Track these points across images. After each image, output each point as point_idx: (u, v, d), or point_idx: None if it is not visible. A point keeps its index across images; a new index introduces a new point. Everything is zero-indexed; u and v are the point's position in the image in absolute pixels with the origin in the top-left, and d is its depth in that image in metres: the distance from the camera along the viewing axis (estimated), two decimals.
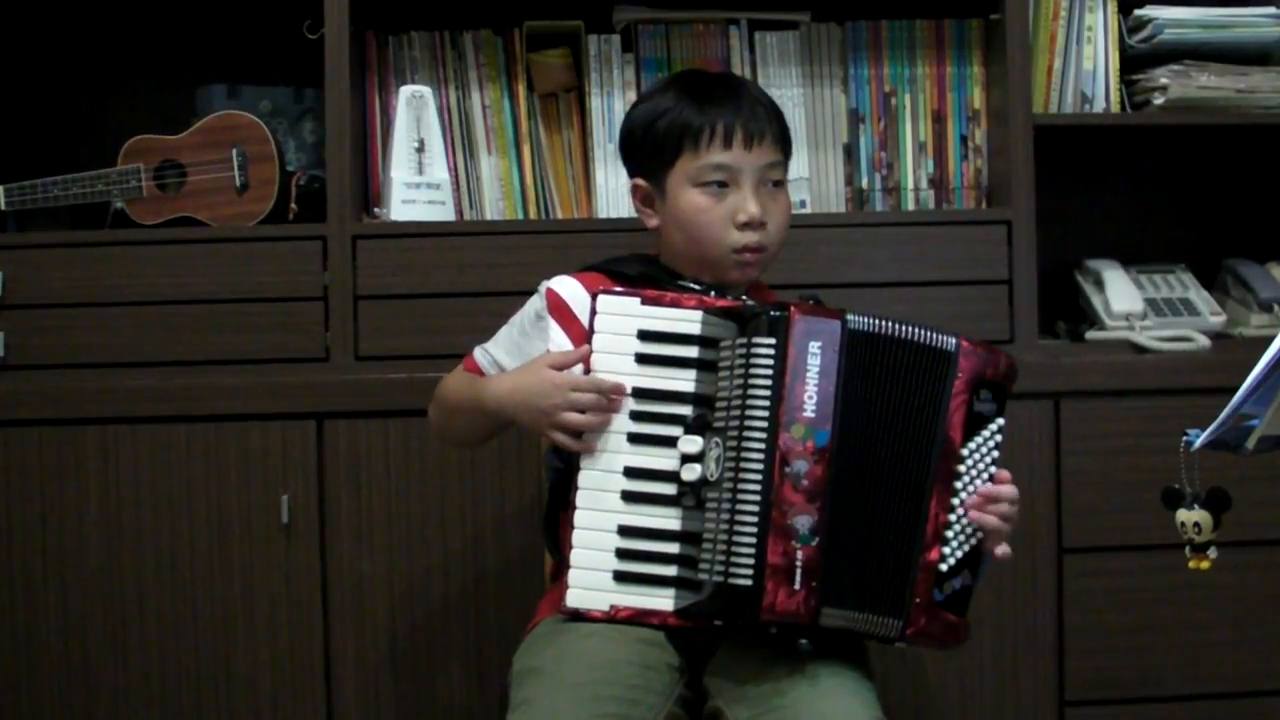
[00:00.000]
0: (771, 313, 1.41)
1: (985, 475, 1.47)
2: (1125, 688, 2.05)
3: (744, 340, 1.41)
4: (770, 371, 1.39)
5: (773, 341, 1.39)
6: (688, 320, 1.49)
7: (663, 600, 1.46)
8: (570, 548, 1.49)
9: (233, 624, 2.01)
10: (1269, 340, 1.24)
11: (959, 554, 1.45)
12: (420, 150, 2.11)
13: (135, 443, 2.01)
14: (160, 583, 2.01)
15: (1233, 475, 1.44)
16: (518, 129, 2.22)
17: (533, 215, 2.21)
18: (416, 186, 2.10)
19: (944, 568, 1.44)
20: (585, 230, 2.08)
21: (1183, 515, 1.48)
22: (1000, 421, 1.47)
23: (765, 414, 1.39)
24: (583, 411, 1.48)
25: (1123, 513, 2.02)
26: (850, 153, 2.24)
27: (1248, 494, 1.53)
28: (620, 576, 1.47)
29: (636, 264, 1.66)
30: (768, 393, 1.39)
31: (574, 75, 2.22)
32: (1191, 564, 1.49)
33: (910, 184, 2.24)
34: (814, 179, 2.22)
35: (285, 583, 2.01)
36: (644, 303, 1.50)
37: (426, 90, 2.13)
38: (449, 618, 2.03)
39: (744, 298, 1.54)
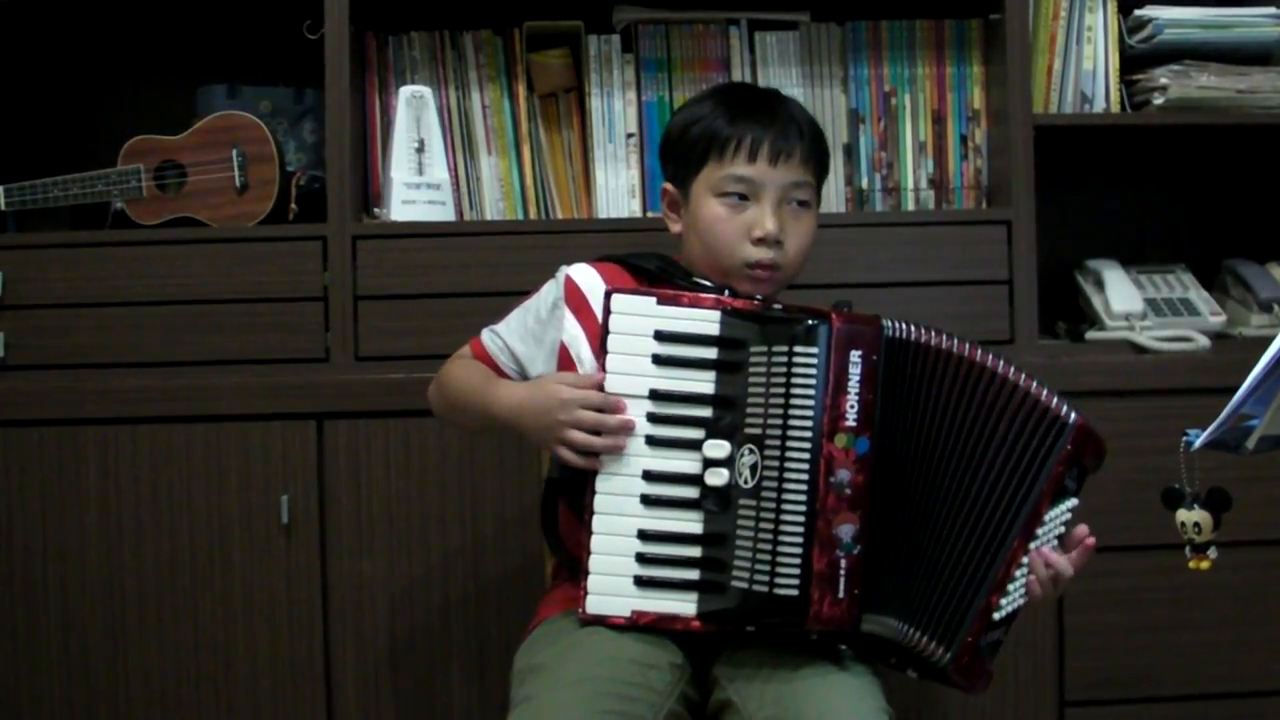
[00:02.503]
0: (809, 321, 1.39)
1: (1050, 546, 1.46)
2: (1125, 688, 2.06)
3: (783, 348, 1.40)
4: (813, 381, 1.37)
5: (815, 351, 1.38)
6: (706, 320, 1.47)
7: (685, 605, 1.45)
8: (576, 546, 1.49)
9: (233, 624, 2.01)
10: (1269, 340, 1.24)
11: (1009, 609, 1.44)
12: (420, 150, 2.11)
13: (135, 443, 2.01)
14: (160, 583, 2.01)
15: (1233, 475, 1.44)
16: (518, 129, 2.22)
17: (533, 215, 2.21)
18: (416, 187, 2.10)
19: (996, 617, 1.43)
20: (585, 230, 2.08)
21: (1183, 515, 1.48)
22: (1075, 501, 1.47)
23: (809, 424, 1.37)
24: (595, 432, 1.46)
25: (1123, 513, 2.02)
26: (850, 153, 2.24)
27: (1248, 494, 1.54)
28: (641, 582, 1.45)
29: (655, 260, 1.65)
30: (811, 402, 1.37)
31: (574, 75, 2.22)
32: (1191, 564, 1.49)
33: (910, 184, 2.24)
34: None
35: (285, 583, 2.01)
36: (660, 302, 1.48)
37: (426, 90, 2.13)
38: (449, 618, 2.03)
39: (758, 298, 1.53)
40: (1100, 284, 2.21)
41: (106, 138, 2.20)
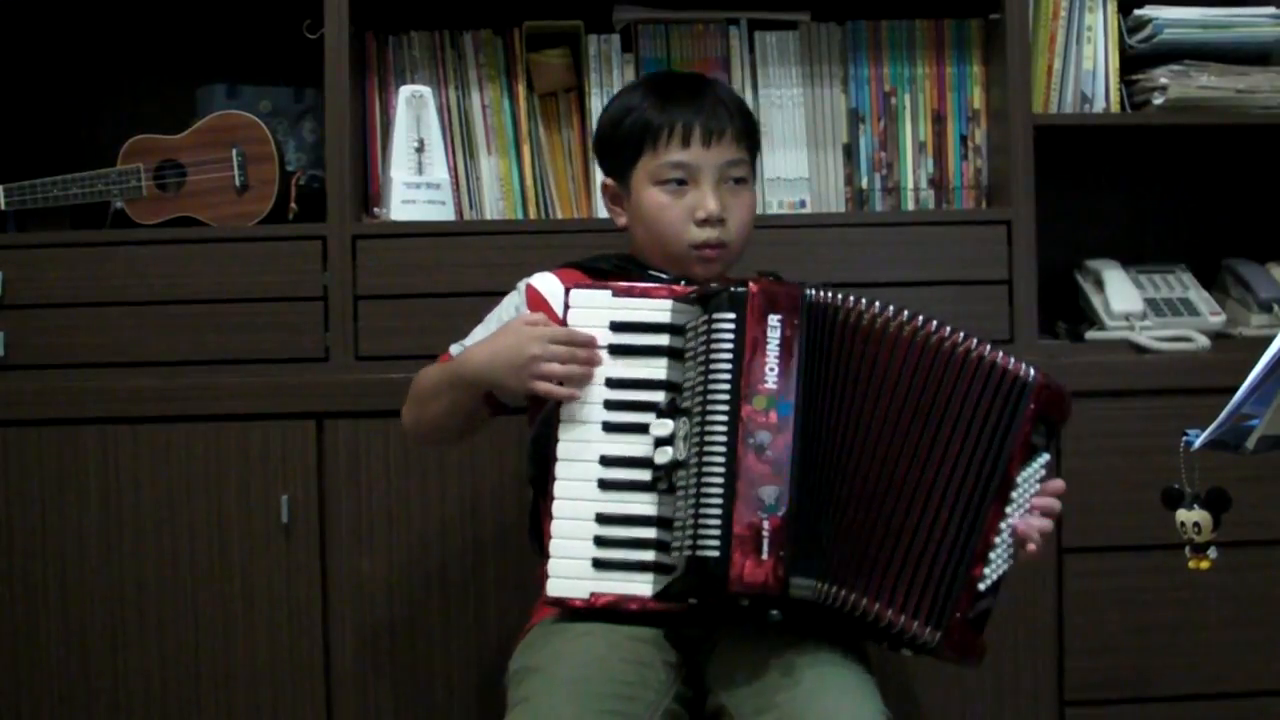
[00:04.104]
0: (732, 289, 1.43)
1: (1027, 506, 1.46)
2: (1125, 688, 2.05)
3: (705, 318, 1.43)
4: (731, 345, 1.41)
5: (732, 316, 1.41)
6: (658, 309, 1.50)
7: (641, 585, 1.46)
8: (550, 539, 1.50)
9: (233, 624, 2.01)
10: (1269, 340, 1.25)
11: (994, 577, 1.44)
12: (420, 150, 2.11)
13: (135, 443, 2.01)
14: (160, 583, 2.01)
15: (1233, 475, 1.44)
16: (518, 129, 2.22)
17: (532, 215, 2.21)
18: (416, 186, 2.10)
19: (981, 588, 1.43)
20: (585, 230, 2.07)
21: (1183, 515, 1.48)
22: (1047, 456, 1.47)
23: (727, 387, 1.40)
24: (563, 363, 1.49)
25: (1123, 513, 2.02)
26: (850, 153, 2.24)
27: (1248, 494, 1.54)
28: (599, 564, 1.47)
29: (613, 259, 1.69)
30: (729, 366, 1.40)
31: (574, 75, 2.22)
32: (1191, 564, 1.49)
33: (910, 184, 2.24)
34: (814, 179, 2.22)
35: (285, 583, 2.01)
36: (615, 295, 1.52)
37: (426, 90, 2.13)
38: (448, 618, 2.03)
39: (713, 285, 1.55)
40: (1100, 284, 2.21)
41: (106, 138, 2.20)
